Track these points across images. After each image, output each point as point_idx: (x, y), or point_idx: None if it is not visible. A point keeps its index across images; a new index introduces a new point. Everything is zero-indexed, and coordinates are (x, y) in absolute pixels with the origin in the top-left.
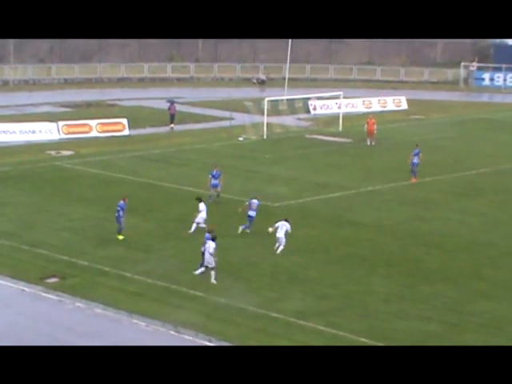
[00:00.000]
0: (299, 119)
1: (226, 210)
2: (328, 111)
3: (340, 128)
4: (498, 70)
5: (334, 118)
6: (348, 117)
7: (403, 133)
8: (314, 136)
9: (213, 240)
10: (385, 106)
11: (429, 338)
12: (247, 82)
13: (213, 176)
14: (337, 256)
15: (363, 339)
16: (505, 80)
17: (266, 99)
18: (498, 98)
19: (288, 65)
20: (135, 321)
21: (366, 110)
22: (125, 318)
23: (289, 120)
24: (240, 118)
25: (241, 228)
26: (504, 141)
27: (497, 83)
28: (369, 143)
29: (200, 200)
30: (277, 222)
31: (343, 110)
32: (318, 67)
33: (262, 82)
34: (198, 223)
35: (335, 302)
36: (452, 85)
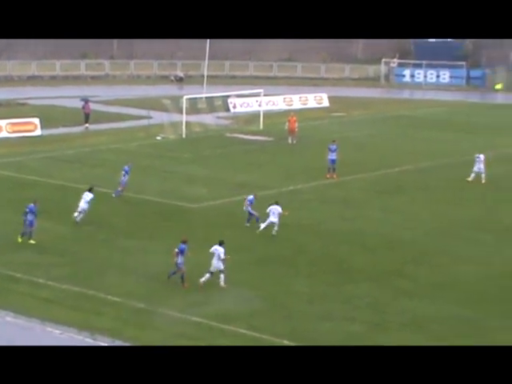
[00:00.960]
0: (219, 117)
1: (142, 210)
2: (248, 109)
3: (261, 126)
4: (419, 66)
5: (254, 116)
6: (269, 115)
7: (325, 130)
8: (234, 135)
9: (220, 245)
10: (306, 104)
11: (352, 339)
12: (165, 79)
13: (125, 172)
14: (258, 257)
15: (286, 341)
16: (425, 76)
17: (185, 97)
18: (418, 95)
19: (207, 62)
20: (49, 328)
21: (286, 108)
22: (37, 326)
23: (208, 118)
24: (158, 117)
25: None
26: (425, 138)
27: (417, 80)
28: (290, 141)
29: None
30: (268, 206)
31: (264, 108)
32: (237, 64)
33: (180, 80)
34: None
35: (257, 304)
36: (373, 81)
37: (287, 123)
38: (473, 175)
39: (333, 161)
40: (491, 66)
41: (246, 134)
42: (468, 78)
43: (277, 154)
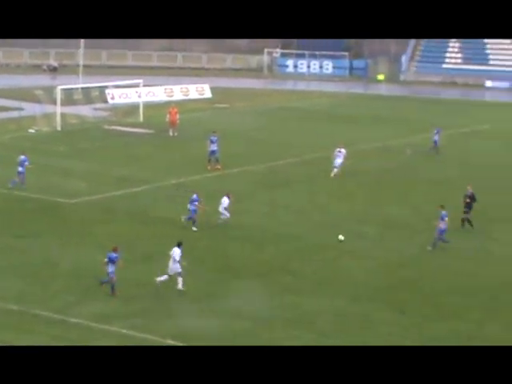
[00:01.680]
0: (96, 109)
1: (17, 206)
2: (127, 100)
3: (140, 118)
4: (302, 56)
5: (133, 108)
6: (149, 106)
7: (207, 122)
8: (113, 127)
9: (178, 246)
10: (187, 95)
11: (238, 336)
12: (37, 68)
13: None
14: (142, 254)
15: (170, 341)
16: (308, 67)
17: (59, 88)
18: (302, 86)
19: (82, 51)
20: None
21: (167, 99)
22: None
23: (85, 110)
24: (30, 108)
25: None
26: (308, 130)
27: (300, 70)
28: (171, 134)
29: None
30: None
31: (143, 99)
32: (114, 53)
33: (53, 69)
34: None
35: (141, 302)
36: (256, 72)
37: (168, 115)
38: (335, 170)
39: (213, 152)
40: (373, 56)
41: (126, 126)
42: (351, 68)
43: (158, 146)
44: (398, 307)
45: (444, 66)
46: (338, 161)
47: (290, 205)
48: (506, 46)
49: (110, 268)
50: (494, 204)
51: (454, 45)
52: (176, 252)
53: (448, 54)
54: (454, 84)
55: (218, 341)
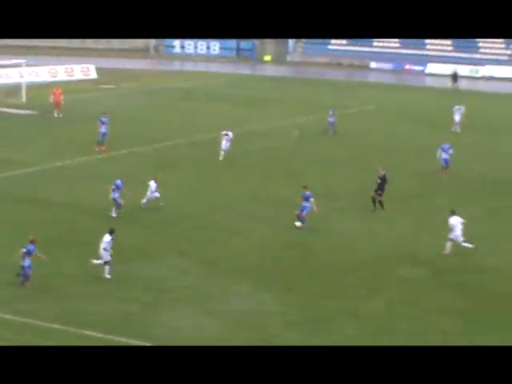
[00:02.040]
0: None
1: None
2: (9, 81)
3: (23, 99)
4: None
5: (15, 89)
6: (32, 87)
7: (93, 103)
8: None
9: (110, 234)
10: (72, 75)
11: (126, 318)
12: None
13: None
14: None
15: (56, 325)
16: (195, 48)
17: None
18: (189, 66)
19: None
20: None
21: (51, 80)
22: None
23: None
24: None
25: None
26: (196, 111)
27: (187, 51)
28: (56, 115)
29: None
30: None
31: (26, 80)
32: None
33: None
34: None
35: (22, 288)
36: (143, 52)
37: (52, 96)
38: (222, 153)
39: (104, 134)
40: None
41: (8, 107)
42: (238, 49)
43: (42, 128)
44: (285, 286)
45: (330, 47)
46: (225, 143)
47: (180, 186)
48: None
49: (27, 261)
50: None
51: None
52: (105, 239)
53: None
54: (339, 65)
55: (105, 323)
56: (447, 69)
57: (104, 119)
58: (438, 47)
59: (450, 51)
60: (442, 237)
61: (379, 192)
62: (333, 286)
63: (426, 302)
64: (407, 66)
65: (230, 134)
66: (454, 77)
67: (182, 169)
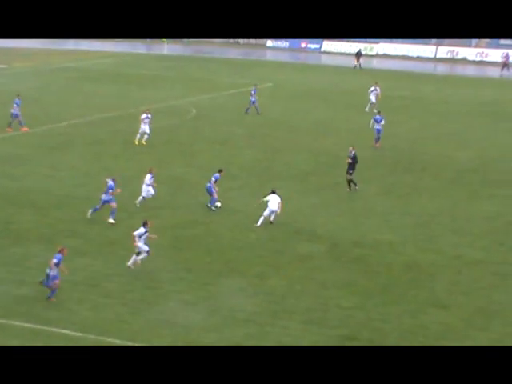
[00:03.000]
0: None
1: None
2: None
3: None
4: None
5: None
6: None
7: None
8: None
9: (144, 226)
10: None
11: (18, 301)
12: None
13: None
14: None
15: None
16: None
17: None
18: (84, 45)
19: None
20: None
21: None
22: None
23: None
24: None
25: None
26: (92, 90)
27: None
28: None
29: None
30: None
31: None
32: None
33: None
34: None
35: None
36: None
37: None
38: (138, 136)
39: (15, 115)
40: None
41: None
42: None
43: None
44: (184, 265)
45: None
46: (144, 127)
47: (76, 167)
48: None
49: (54, 271)
50: (279, 162)
51: None
52: (140, 231)
53: None
54: (237, 44)
55: (8, 307)
56: (340, 47)
57: (18, 101)
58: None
59: None
60: (339, 213)
61: (350, 172)
62: (232, 264)
63: (325, 277)
64: (303, 44)
65: (150, 116)
66: (358, 55)
67: (78, 149)
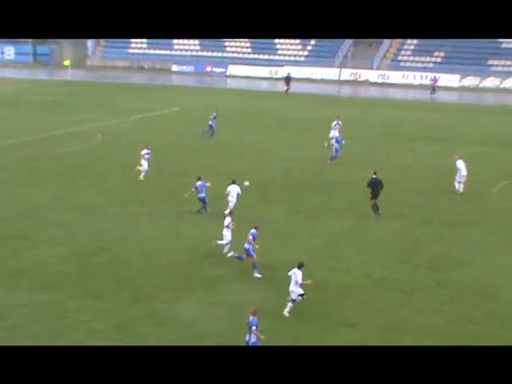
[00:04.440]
0: None
1: None
2: None
3: None
4: None
5: None
6: None
7: None
8: None
9: (299, 268)
10: None
11: None
12: None
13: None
14: None
15: None
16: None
17: None
18: None
19: None
20: None
21: None
22: None
23: None
24: None
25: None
26: None
27: None
28: None
29: None
30: None
31: None
32: None
33: None
34: None
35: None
36: None
37: None
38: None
39: None
40: (58, 42)
41: None
42: (35, 54)
43: None
44: (92, 293)
45: (130, 51)
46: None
47: None
48: None
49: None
50: (186, 186)
51: None
52: (298, 274)
53: (134, 40)
54: (141, 69)
55: None
56: (246, 70)
57: None
58: (238, 49)
59: (250, 53)
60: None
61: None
62: (142, 291)
63: (236, 300)
64: (208, 68)
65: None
66: (287, 80)
67: None
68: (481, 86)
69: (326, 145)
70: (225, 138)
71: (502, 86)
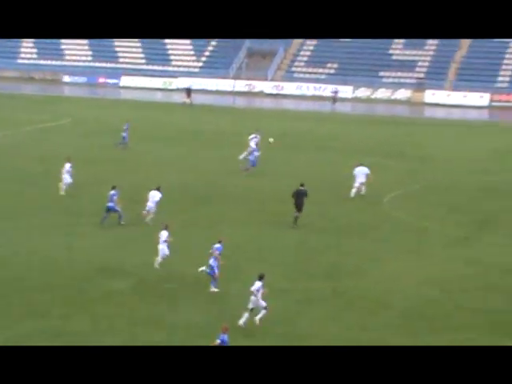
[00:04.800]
0: None
1: None
2: None
3: None
4: None
5: None
6: None
7: None
8: None
9: (259, 279)
10: None
11: None
12: None
13: None
14: None
15: None
16: None
17: None
18: None
19: None
20: None
21: None
22: None
23: None
24: None
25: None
26: None
27: None
28: None
29: None
30: None
31: None
32: None
33: None
34: None
35: None
36: None
37: None
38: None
39: None
40: None
41: None
42: None
43: None
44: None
45: (19, 61)
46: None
47: None
48: (79, 42)
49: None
50: (86, 198)
51: (27, 40)
52: (256, 285)
53: (23, 49)
54: (31, 79)
55: None
56: (140, 81)
57: None
58: (132, 60)
59: (143, 64)
60: (145, 248)
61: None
62: (34, 307)
63: (132, 313)
64: (101, 80)
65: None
66: (188, 92)
67: None
68: (373, 97)
69: (241, 158)
70: (122, 150)
71: (393, 97)
